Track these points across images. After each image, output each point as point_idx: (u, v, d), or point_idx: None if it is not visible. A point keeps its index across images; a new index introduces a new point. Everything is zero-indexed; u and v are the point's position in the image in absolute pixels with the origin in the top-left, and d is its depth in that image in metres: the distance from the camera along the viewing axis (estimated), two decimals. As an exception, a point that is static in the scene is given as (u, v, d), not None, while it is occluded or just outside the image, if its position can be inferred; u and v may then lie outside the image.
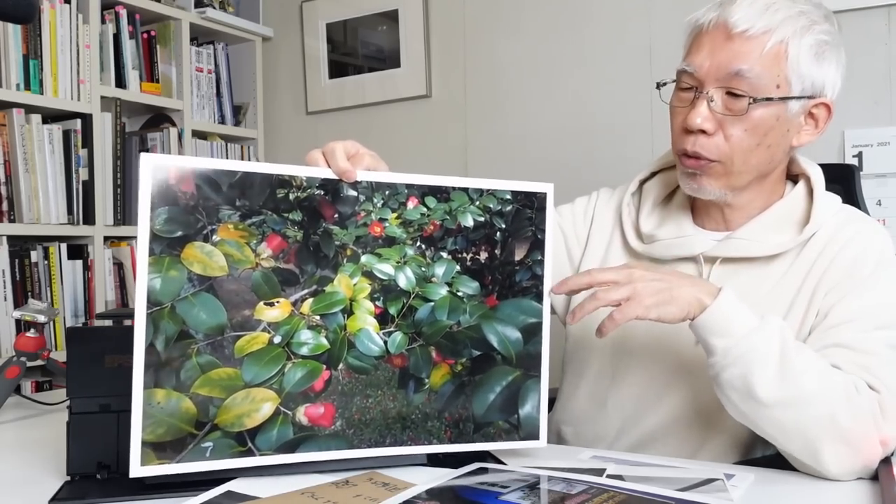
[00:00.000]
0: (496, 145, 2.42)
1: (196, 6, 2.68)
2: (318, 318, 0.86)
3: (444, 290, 0.91)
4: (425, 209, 0.90)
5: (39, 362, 1.35)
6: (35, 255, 2.24)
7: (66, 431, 0.87)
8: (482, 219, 0.92)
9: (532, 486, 0.85)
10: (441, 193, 0.91)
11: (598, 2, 2.24)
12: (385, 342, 0.89)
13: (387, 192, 0.89)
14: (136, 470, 0.78)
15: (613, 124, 2.20)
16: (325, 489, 0.85)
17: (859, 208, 1.25)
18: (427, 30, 2.51)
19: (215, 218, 0.82)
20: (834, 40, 1.01)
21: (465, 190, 0.92)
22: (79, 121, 2.33)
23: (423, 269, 0.90)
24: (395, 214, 0.89)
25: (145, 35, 2.57)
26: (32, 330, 1.34)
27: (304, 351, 0.85)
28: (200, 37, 2.78)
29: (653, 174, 1.19)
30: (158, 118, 2.66)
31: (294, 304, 0.85)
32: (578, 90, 2.28)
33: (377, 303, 0.88)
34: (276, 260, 0.85)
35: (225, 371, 0.81)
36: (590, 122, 2.25)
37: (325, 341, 0.86)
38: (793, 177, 1.12)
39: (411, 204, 0.90)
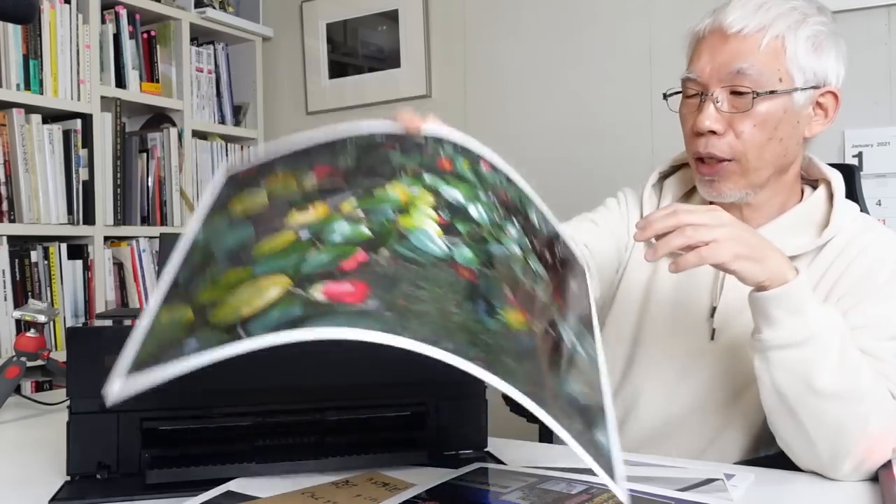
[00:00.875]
0: (496, 145, 2.41)
1: (196, 6, 2.68)
2: (360, 211, 0.68)
3: (517, 249, 0.73)
4: (500, 180, 0.79)
5: (39, 362, 1.35)
6: (35, 255, 2.24)
7: (66, 431, 0.87)
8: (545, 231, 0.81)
9: (532, 486, 0.85)
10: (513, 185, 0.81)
11: (598, 2, 2.24)
12: (450, 248, 0.67)
13: (459, 147, 0.78)
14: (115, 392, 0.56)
15: (613, 124, 2.20)
16: (325, 489, 0.85)
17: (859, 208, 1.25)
18: (427, 30, 2.51)
19: (267, 174, 0.74)
20: (830, 30, 1.03)
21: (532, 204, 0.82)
22: (79, 121, 2.33)
23: (497, 216, 0.75)
24: (466, 161, 0.77)
25: (145, 35, 2.57)
26: (32, 330, 1.34)
27: (337, 238, 0.65)
28: (200, 37, 2.78)
29: (674, 169, 1.20)
30: (158, 118, 2.66)
31: (333, 207, 0.68)
32: (578, 90, 2.28)
33: (441, 214, 0.69)
34: (322, 183, 0.72)
35: (235, 272, 0.64)
36: (590, 122, 2.25)
37: (366, 230, 0.65)
38: (811, 182, 1.13)
39: (485, 168, 0.78)
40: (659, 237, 0.85)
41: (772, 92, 1.00)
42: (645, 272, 1.15)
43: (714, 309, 1.07)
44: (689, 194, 1.18)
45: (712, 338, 1.06)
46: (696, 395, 1.07)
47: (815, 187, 1.12)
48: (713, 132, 1.02)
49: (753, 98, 0.99)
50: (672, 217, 0.85)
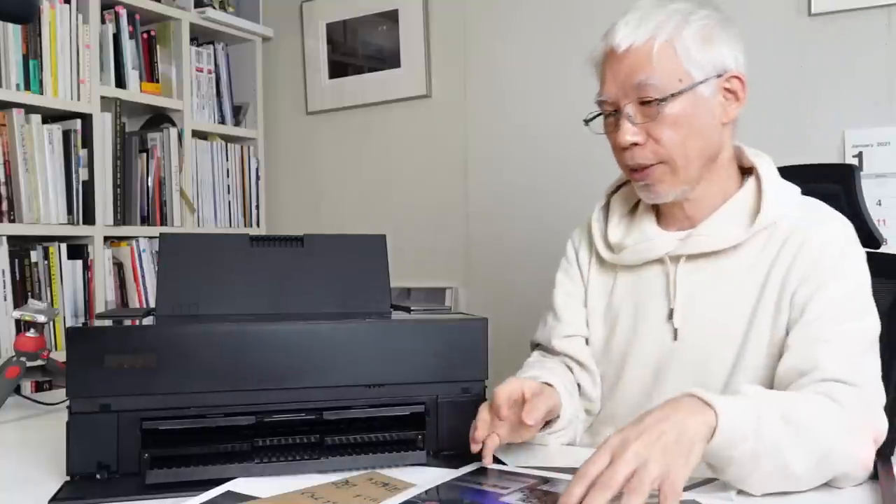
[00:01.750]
0: (496, 145, 2.42)
1: (196, 6, 2.68)
2: None
3: None
4: None
5: (39, 362, 1.35)
6: (35, 255, 2.24)
7: (66, 431, 0.87)
8: None
9: (532, 487, 0.85)
10: None
11: (598, 2, 2.24)
12: None
13: None
14: None
15: (613, 124, 2.20)
16: (325, 489, 0.85)
17: (859, 208, 1.26)
18: (427, 30, 2.51)
19: None
20: (716, 20, 1.08)
21: None
22: (79, 121, 2.33)
23: None
24: None
25: (145, 35, 2.57)
26: (32, 330, 1.34)
27: None
28: (200, 37, 2.78)
29: (618, 188, 1.24)
30: (158, 118, 2.66)
31: None
32: (578, 90, 2.27)
33: None
34: None
35: None
36: (590, 122, 2.25)
37: None
38: (748, 169, 1.14)
39: None
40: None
41: (675, 94, 1.04)
42: (602, 293, 1.19)
43: (671, 311, 1.10)
44: (635, 208, 1.21)
45: (675, 338, 1.09)
46: (672, 395, 1.07)
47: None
48: (635, 144, 1.07)
49: (658, 105, 1.04)
50: (577, 485, 0.73)
